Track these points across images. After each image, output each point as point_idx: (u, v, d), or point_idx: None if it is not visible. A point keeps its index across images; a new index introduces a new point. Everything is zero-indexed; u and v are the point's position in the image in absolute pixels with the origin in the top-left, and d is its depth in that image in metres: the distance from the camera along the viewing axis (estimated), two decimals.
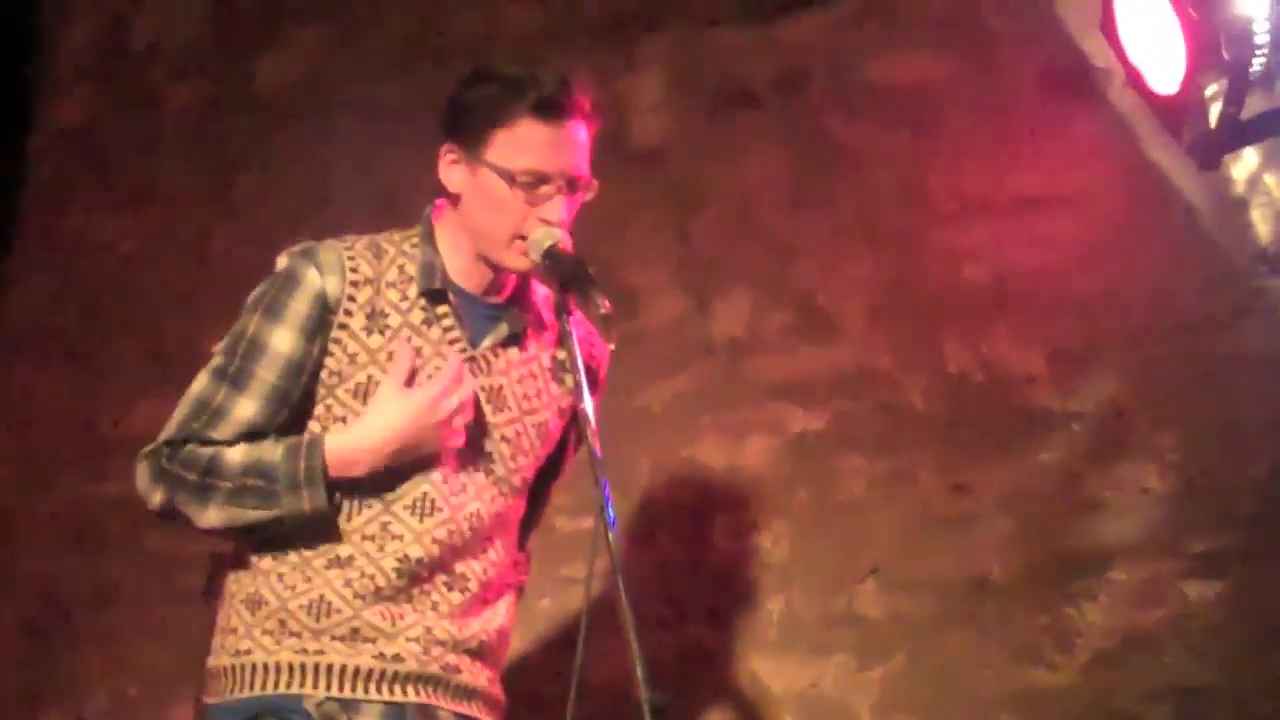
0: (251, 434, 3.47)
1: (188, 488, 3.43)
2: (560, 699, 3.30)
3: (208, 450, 3.45)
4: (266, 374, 3.48)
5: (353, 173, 5.64)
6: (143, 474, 3.48)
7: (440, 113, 3.56)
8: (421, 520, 3.48)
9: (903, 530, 4.77)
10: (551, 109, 3.45)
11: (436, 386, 3.41)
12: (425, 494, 3.48)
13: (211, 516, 3.43)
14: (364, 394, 3.48)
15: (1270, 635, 4.37)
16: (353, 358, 3.50)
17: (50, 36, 6.41)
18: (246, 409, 3.48)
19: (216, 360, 3.53)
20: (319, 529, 3.46)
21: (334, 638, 3.46)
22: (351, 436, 3.43)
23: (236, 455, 3.43)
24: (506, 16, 5.59)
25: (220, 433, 3.47)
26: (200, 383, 3.52)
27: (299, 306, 3.49)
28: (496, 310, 3.59)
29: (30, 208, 6.35)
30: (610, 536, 3.17)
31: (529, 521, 3.77)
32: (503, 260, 3.51)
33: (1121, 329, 4.62)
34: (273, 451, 3.42)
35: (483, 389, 3.55)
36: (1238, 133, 4.20)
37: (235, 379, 3.49)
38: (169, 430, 3.49)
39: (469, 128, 3.49)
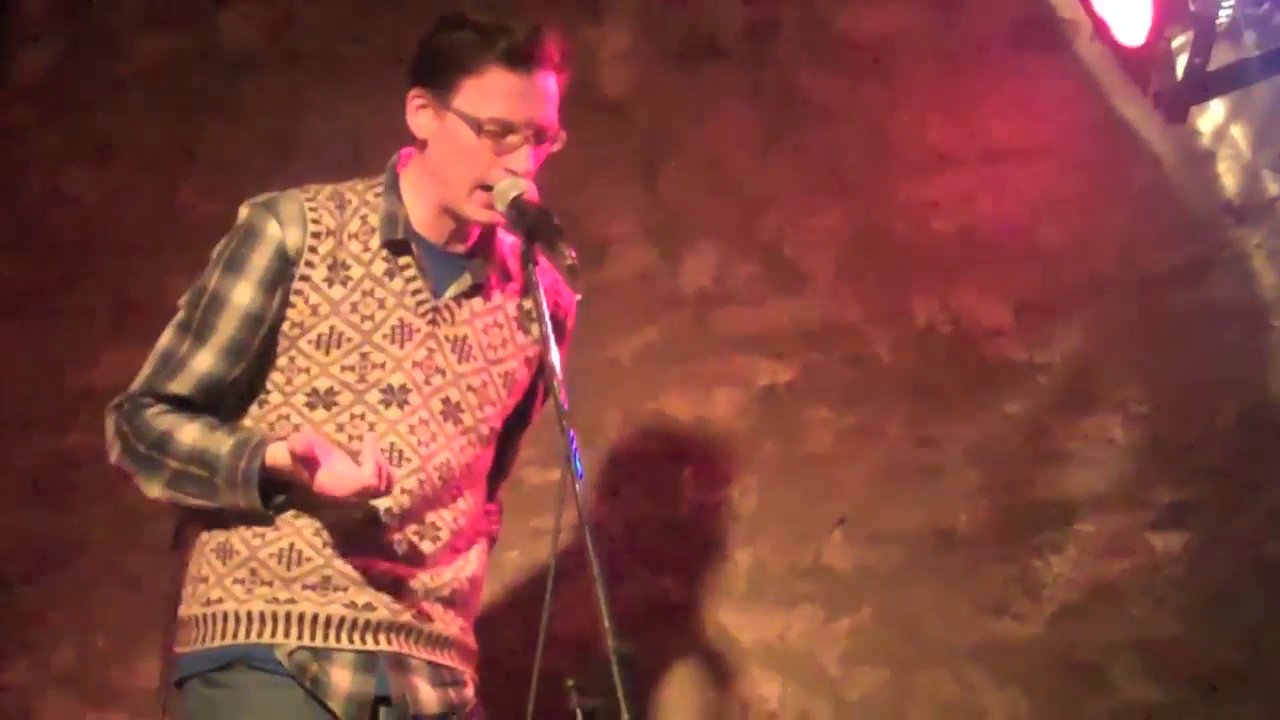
0: (210, 386, 3.49)
1: (137, 457, 3.47)
2: (528, 649, 3.30)
3: (163, 422, 3.46)
4: (226, 327, 3.49)
5: (320, 124, 5.61)
6: (108, 427, 3.52)
7: (409, 60, 3.55)
8: None
9: (870, 482, 4.78)
10: (521, 58, 3.44)
11: (342, 481, 3.30)
12: (393, 444, 3.48)
13: (156, 490, 3.47)
14: (326, 345, 3.48)
15: (1235, 587, 4.39)
16: (315, 309, 3.49)
17: None
18: (204, 361, 3.49)
19: (180, 315, 3.55)
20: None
21: (305, 586, 3.46)
22: (281, 457, 3.36)
23: (188, 438, 3.44)
24: None
25: (179, 385, 3.49)
26: (165, 337, 3.55)
27: (258, 259, 3.49)
28: (460, 260, 3.59)
29: None
30: (578, 488, 3.18)
31: (499, 472, 3.77)
32: (463, 210, 3.50)
33: (1088, 281, 4.63)
34: (222, 443, 3.41)
35: (448, 339, 3.55)
36: (1204, 85, 4.21)
37: (197, 332, 3.51)
38: (135, 384, 3.53)
39: (438, 74, 3.48)
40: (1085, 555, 4.53)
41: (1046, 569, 4.54)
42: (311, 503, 3.44)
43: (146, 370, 3.53)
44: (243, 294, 3.49)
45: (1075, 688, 4.51)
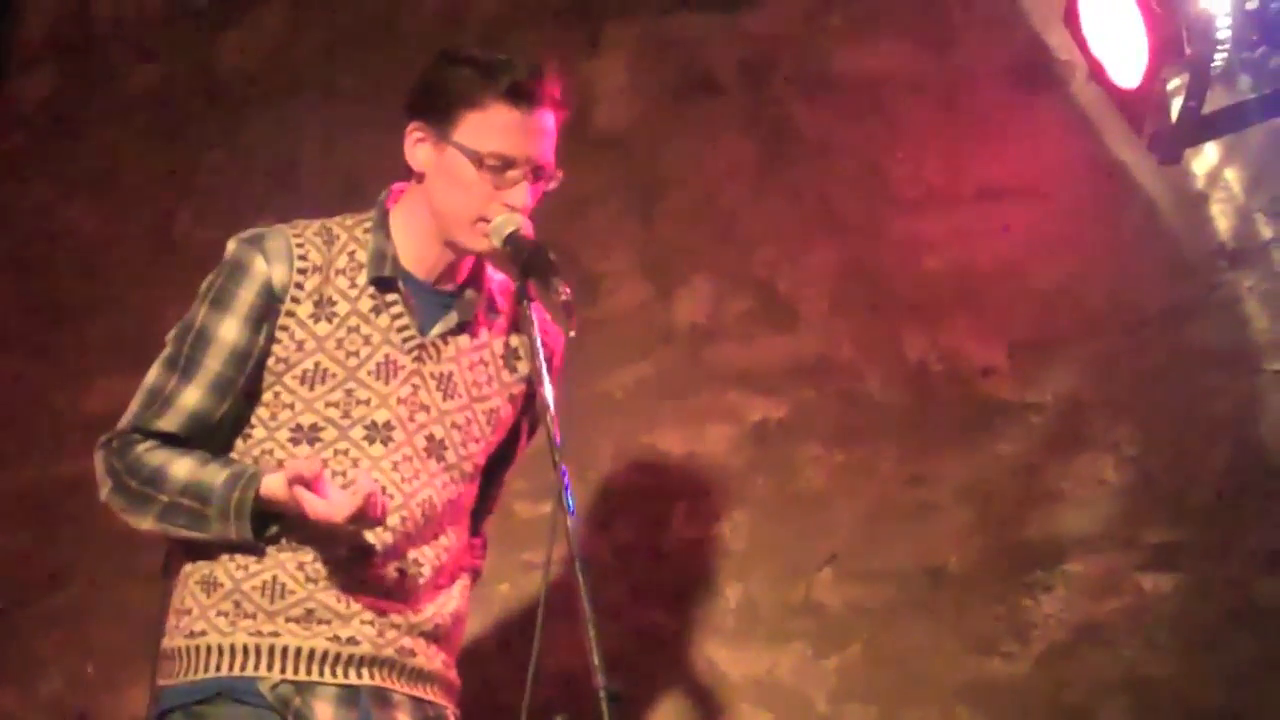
0: (198, 423, 3.50)
1: (128, 493, 3.48)
2: (517, 683, 3.30)
3: (155, 458, 3.48)
4: (212, 363, 3.50)
5: (316, 154, 5.63)
6: (98, 463, 3.53)
7: (409, 92, 3.56)
8: None
9: (861, 520, 4.78)
10: (524, 95, 3.46)
11: (325, 506, 3.33)
12: (376, 482, 3.47)
13: (146, 524, 3.49)
14: (311, 381, 3.50)
15: (1226, 628, 4.38)
16: (300, 345, 3.50)
17: (12, 14, 6.38)
18: (191, 398, 3.51)
19: (167, 350, 3.57)
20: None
21: (289, 619, 3.46)
22: (276, 488, 3.38)
23: (181, 471, 3.45)
24: None
25: (167, 422, 3.51)
26: (152, 373, 3.57)
27: (245, 295, 3.51)
28: (447, 298, 3.60)
29: None
30: (569, 523, 3.19)
31: (483, 508, 3.78)
32: (463, 241, 3.51)
33: (1081, 321, 4.63)
34: (216, 476, 3.42)
35: (432, 376, 3.56)
36: (1199, 127, 4.21)
37: (184, 369, 3.52)
38: (124, 421, 3.54)
39: (439, 107, 3.50)
40: (1075, 595, 4.52)
41: (1036, 609, 4.54)
42: (300, 535, 3.45)
43: (135, 407, 3.54)
44: (229, 330, 3.50)
45: None
